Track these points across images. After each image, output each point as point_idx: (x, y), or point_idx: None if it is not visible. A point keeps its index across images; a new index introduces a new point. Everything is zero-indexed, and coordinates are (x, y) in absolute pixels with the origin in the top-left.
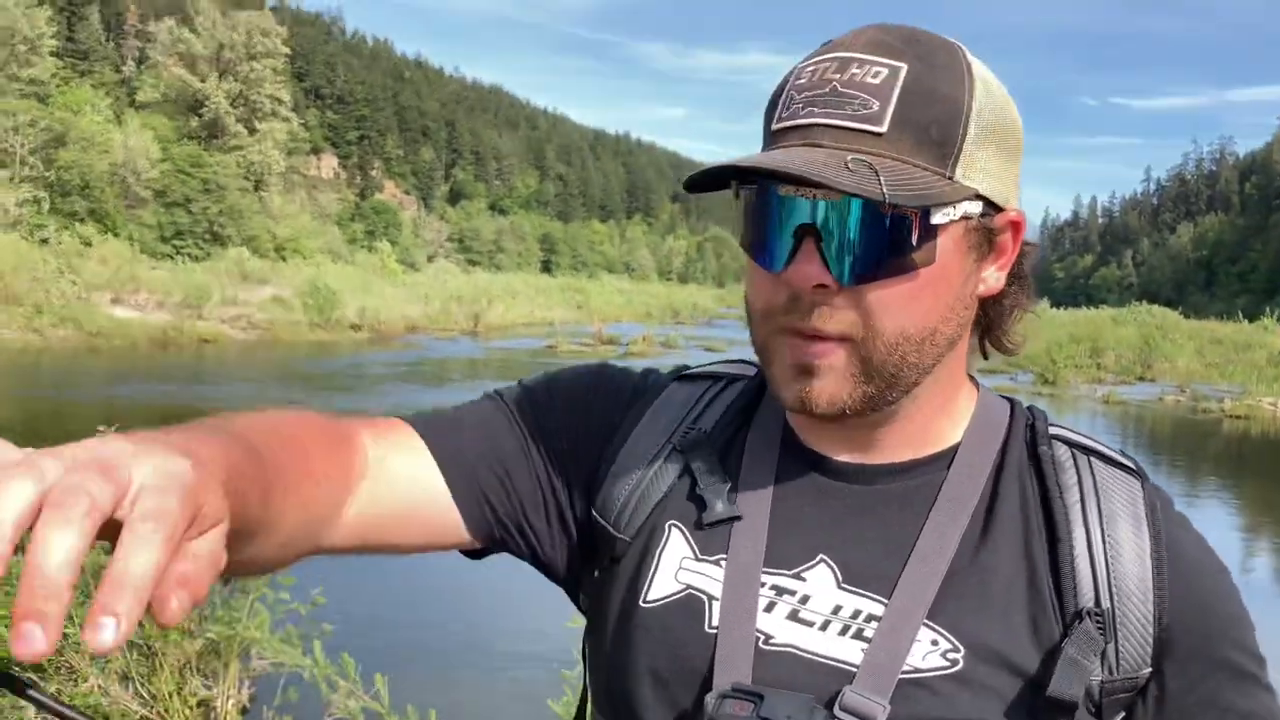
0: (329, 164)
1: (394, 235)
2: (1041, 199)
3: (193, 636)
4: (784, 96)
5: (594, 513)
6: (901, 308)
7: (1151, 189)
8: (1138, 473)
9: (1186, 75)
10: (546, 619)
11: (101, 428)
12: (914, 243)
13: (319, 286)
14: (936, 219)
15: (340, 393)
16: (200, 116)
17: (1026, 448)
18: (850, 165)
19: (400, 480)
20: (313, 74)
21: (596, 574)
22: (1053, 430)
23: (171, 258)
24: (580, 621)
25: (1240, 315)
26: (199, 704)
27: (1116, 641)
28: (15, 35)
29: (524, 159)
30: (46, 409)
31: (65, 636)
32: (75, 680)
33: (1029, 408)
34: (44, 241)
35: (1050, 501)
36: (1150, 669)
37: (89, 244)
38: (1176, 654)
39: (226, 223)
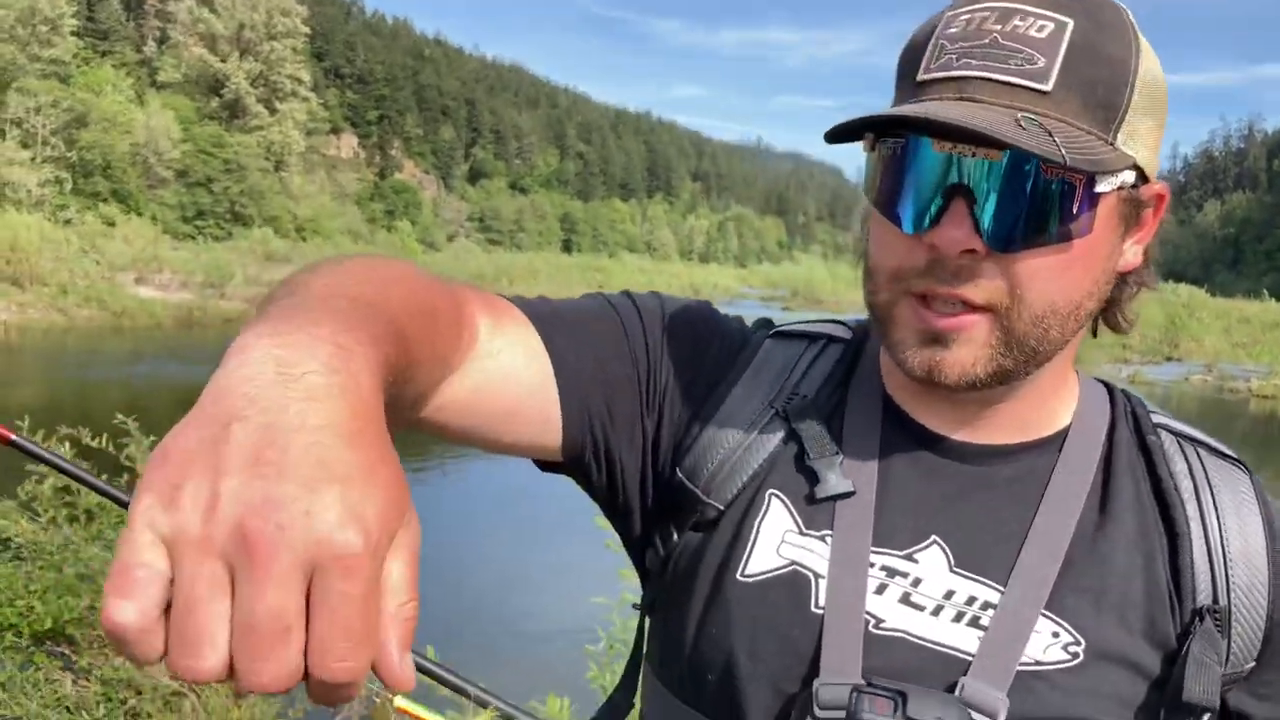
0: (349, 144)
1: (414, 215)
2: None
3: None
4: (933, 45)
5: (679, 473)
6: (1052, 279)
7: (1178, 166)
8: (1243, 465)
9: (1215, 51)
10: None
11: (120, 415)
12: (1074, 211)
13: None
14: (1101, 187)
15: None
16: (221, 97)
17: (1133, 435)
18: (1022, 123)
19: (511, 378)
20: (332, 53)
21: (676, 537)
22: (1155, 418)
23: (193, 238)
24: (604, 597)
25: (1267, 294)
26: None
27: (1230, 638)
28: (36, 15)
29: (544, 137)
30: (71, 389)
31: (97, 609)
32: (107, 654)
33: (1124, 392)
34: (67, 222)
35: (1165, 494)
36: (1254, 663)
37: (112, 224)
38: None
39: (248, 203)
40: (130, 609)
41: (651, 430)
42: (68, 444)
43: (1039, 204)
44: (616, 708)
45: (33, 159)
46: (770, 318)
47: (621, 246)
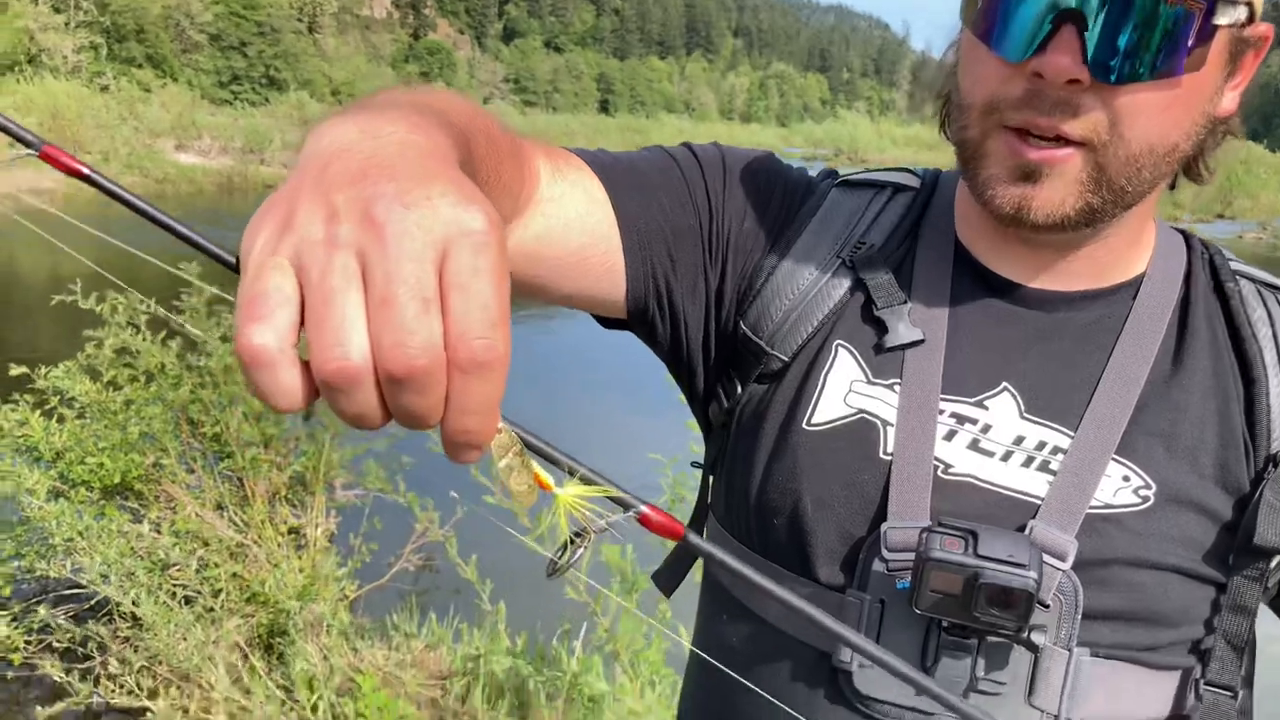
0: (382, 4)
1: (448, 76)
2: None
3: (280, 469)
4: None
5: (742, 325)
6: (1154, 116)
7: None
8: None
9: None
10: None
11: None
12: (1189, 44)
13: None
14: (1219, 19)
15: None
16: None
17: (1210, 282)
18: None
19: (574, 225)
20: None
21: (740, 389)
22: (1234, 265)
23: (230, 103)
24: (659, 455)
25: None
26: (289, 531)
27: None
28: None
29: None
30: (123, 256)
31: (162, 467)
32: (174, 508)
33: (1201, 240)
34: (104, 89)
35: (1243, 340)
36: None
37: (148, 90)
38: None
39: (282, 66)
40: (266, 331)
41: (715, 281)
42: (120, 307)
43: (1155, 33)
44: (680, 559)
45: (66, 24)
46: (835, 169)
47: (659, 106)
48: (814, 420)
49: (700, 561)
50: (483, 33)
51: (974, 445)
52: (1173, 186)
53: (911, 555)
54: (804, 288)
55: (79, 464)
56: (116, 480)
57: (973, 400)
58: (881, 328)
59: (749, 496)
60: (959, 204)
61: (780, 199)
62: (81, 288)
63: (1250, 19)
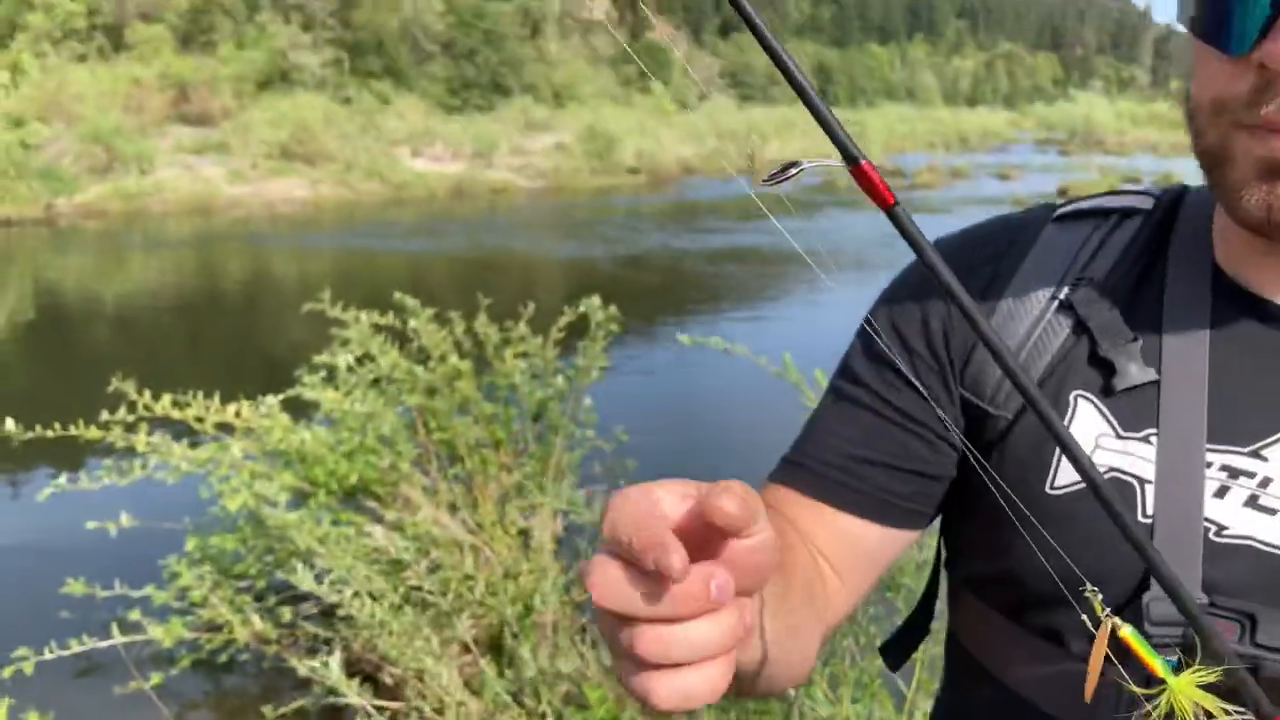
0: (601, 4)
1: (666, 75)
2: None
3: (509, 471)
4: None
5: (963, 390)
6: None
7: None
8: None
9: None
10: None
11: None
12: None
13: (597, 131)
14: None
15: (628, 232)
16: None
17: None
18: None
19: (827, 549)
20: None
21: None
22: None
23: (459, 110)
24: None
25: None
26: (519, 533)
27: None
28: None
29: None
30: (364, 259)
31: (398, 469)
32: (410, 509)
33: None
34: (346, 100)
35: None
36: None
37: (387, 101)
38: None
39: (507, 72)
40: None
41: (956, 409)
42: (363, 316)
43: None
44: (914, 627)
45: (313, 41)
46: (1052, 202)
47: (880, 94)
48: (1058, 483)
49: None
50: (699, 28)
51: (1252, 502)
52: None
53: (1179, 630)
54: (1020, 336)
55: (318, 466)
56: (354, 482)
57: (1247, 450)
58: (1110, 370)
59: (991, 567)
60: (1217, 222)
61: (969, 267)
62: (330, 295)
63: None
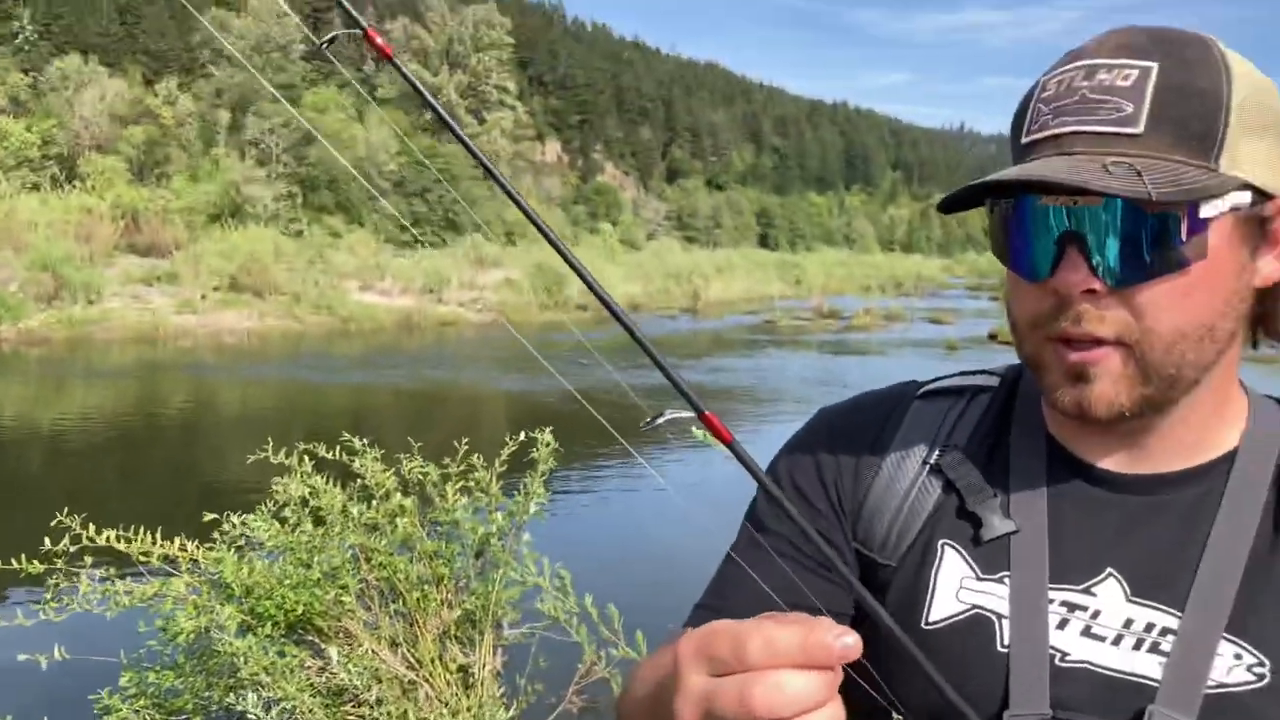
0: (553, 149)
1: (615, 216)
2: None
3: (450, 607)
4: (1031, 110)
5: (855, 543)
6: (1175, 306)
7: None
8: None
9: None
10: None
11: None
12: (1183, 238)
13: (546, 268)
14: (1205, 212)
15: (573, 367)
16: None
17: None
18: (1110, 169)
19: None
20: (536, 62)
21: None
22: None
23: (411, 246)
24: None
25: None
26: (458, 669)
27: None
28: (269, 43)
29: (740, 134)
30: (308, 391)
31: (342, 602)
32: (352, 644)
33: None
34: (299, 234)
35: None
36: None
37: (338, 235)
38: None
39: (460, 210)
40: None
41: (838, 548)
42: (306, 457)
43: (1145, 238)
44: None
45: (268, 176)
46: (916, 379)
47: (819, 239)
48: (931, 619)
49: None
50: (647, 174)
51: (1087, 631)
52: (1254, 345)
53: None
54: (900, 497)
55: (266, 598)
56: (299, 613)
57: (1080, 587)
58: (977, 522)
59: (878, 704)
60: (1045, 398)
61: (850, 446)
62: (274, 428)
63: (1266, 196)
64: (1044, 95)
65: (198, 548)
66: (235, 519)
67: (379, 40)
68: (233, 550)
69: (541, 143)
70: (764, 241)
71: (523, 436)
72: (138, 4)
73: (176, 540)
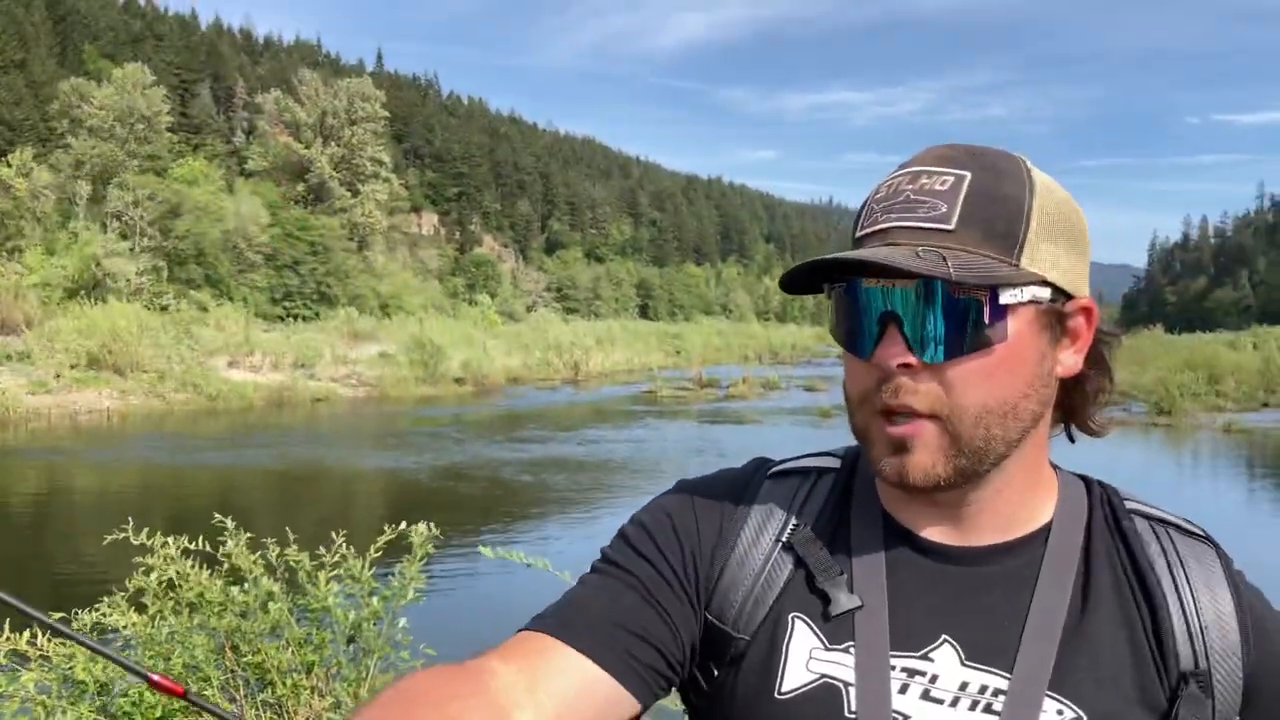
0: (429, 221)
1: (493, 288)
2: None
3: (321, 695)
4: (865, 209)
5: (709, 617)
6: (981, 383)
7: (1266, 205)
8: (1209, 540)
9: None
10: None
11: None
12: (986, 320)
13: (423, 342)
14: (1005, 299)
15: (449, 443)
16: (306, 181)
17: (1107, 522)
18: (920, 254)
19: (557, 688)
20: (412, 135)
21: (716, 674)
22: (1129, 505)
23: (283, 319)
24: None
25: None
26: None
27: (1214, 699)
28: (134, 114)
29: (618, 207)
30: (169, 474)
31: (204, 696)
32: None
33: (1099, 483)
34: (164, 309)
35: (1142, 573)
36: (1238, 718)
37: (205, 309)
38: (1262, 701)
39: (333, 283)
40: None
41: (682, 611)
42: (169, 542)
43: (953, 318)
44: None
45: (131, 249)
46: (767, 457)
47: (698, 309)
48: (783, 689)
49: None
50: (526, 245)
51: (925, 695)
52: (1070, 439)
53: None
54: (754, 573)
55: (122, 696)
56: (159, 715)
57: (919, 654)
58: (825, 598)
59: None
60: (872, 468)
61: (709, 514)
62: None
63: (1067, 296)
64: (876, 197)
65: (48, 641)
66: (85, 615)
67: (167, 683)
68: (83, 646)
69: (418, 215)
70: (644, 312)
71: (403, 525)
72: None
73: (24, 634)
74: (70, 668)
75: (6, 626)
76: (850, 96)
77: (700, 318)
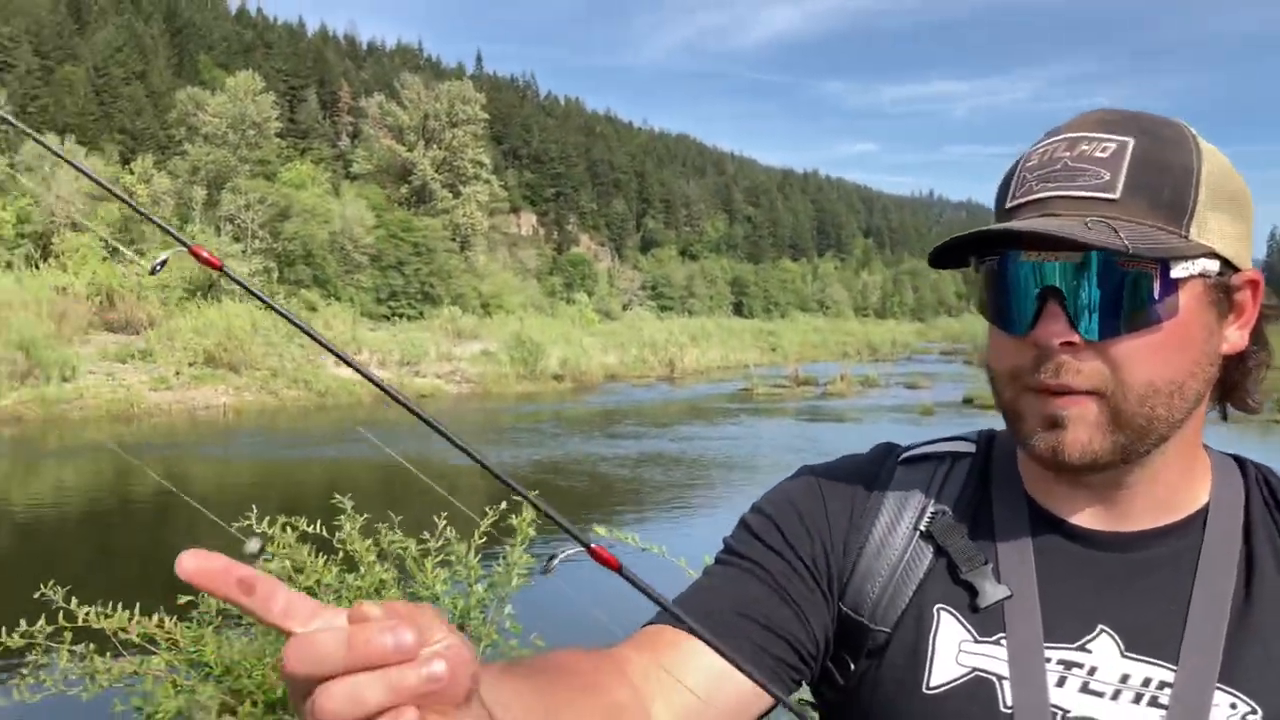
0: (528, 221)
1: (590, 286)
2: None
3: None
4: (1015, 178)
5: (843, 608)
6: (1148, 360)
7: None
8: None
9: None
10: None
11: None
12: (1156, 295)
13: (523, 339)
14: (1176, 272)
15: (549, 438)
16: (409, 183)
17: (1267, 504)
18: (1089, 225)
19: (691, 683)
20: (510, 136)
21: (852, 667)
22: None
23: (388, 318)
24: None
25: None
26: None
27: None
28: (245, 121)
29: (712, 204)
30: (283, 467)
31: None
32: None
33: (1254, 463)
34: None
35: None
36: None
37: (314, 309)
38: None
39: (436, 282)
40: None
41: (815, 601)
42: (289, 528)
43: (1121, 293)
44: None
45: (244, 251)
46: (894, 442)
47: (793, 306)
48: (932, 684)
49: None
50: (621, 244)
51: (1085, 688)
52: (1224, 417)
53: None
54: (892, 563)
55: (246, 676)
56: (279, 695)
57: (1075, 645)
58: (971, 590)
59: None
60: (1022, 461)
61: (840, 501)
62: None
63: (1233, 269)
64: (1029, 165)
65: (176, 625)
66: (212, 599)
67: (204, 254)
68: (211, 628)
69: (517, 215)
70: (739, 309)
71: (503, 505)
72: (115, 84)
73: (154, 617)
74: (197, 650)
75: (137, 609)
76: (950, 87)
77: (796, 314)
